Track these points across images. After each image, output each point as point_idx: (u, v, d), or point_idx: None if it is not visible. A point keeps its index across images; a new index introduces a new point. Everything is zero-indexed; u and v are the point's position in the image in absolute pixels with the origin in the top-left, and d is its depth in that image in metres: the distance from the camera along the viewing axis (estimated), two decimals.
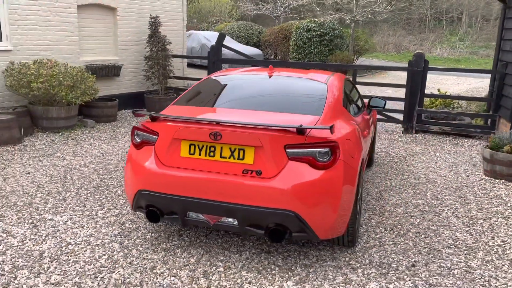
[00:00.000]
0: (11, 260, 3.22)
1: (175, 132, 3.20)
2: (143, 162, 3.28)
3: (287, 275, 3.15)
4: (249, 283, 3.04)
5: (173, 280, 3.03)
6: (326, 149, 3.05)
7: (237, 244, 3.61)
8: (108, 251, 3.40)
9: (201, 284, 2.99)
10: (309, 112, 3.42)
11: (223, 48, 9.45)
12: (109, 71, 8.94)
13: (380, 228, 4.06)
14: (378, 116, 9.13)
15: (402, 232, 4.00)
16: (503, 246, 3.79)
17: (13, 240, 3.52)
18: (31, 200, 4.38)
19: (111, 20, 9.16)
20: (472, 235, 4.00)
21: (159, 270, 3.15)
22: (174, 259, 3.31)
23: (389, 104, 11.67)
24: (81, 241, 3.55)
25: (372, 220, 4.24)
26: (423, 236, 3.93)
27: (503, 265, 3.45)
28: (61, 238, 3.59)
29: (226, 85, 4.10)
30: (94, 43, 8.91)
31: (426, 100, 9.12)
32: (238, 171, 3.06)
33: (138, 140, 3.40)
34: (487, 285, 3.17)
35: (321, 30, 17.78)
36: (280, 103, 3.63)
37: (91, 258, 3.29)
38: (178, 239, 3.65)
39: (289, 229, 3.04)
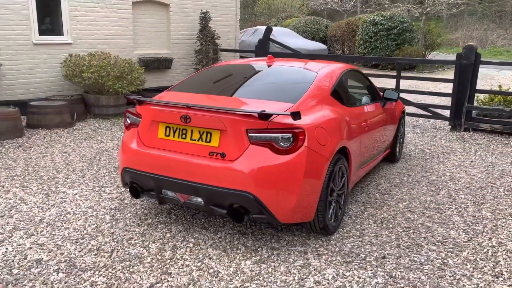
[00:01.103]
0: (14, 222, 3.70)
1: (153, 114, 3.45)
2: (129, 142, 3.59)
3: (249, 255, 3.28)
4: (210, 258, 3.21)
5: (142, 250, 3.29)
6: (288, 135, 3.12)
7: (217, 224, 3.79)
8: (98, 221, 3.76)
9: (165, 256, 3.22)
10: (285, 100, 3.49)
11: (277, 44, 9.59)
12: (160, 64, 9.51)
13: (370, 220, 4.00)
14: (423, 112, 8.74)
15: (391, 226, 3.91)
16: (496, 247, 3.57)
17: (24, 207, 4.02)
18: (56, 175, 4.91)
19: (164, 15, 9.72)
20: (468, 234, 3.80)
21: (134, 241, 3.44)
22: (152, 233, 3.58)
23: (436, 101, 11.09)
24: (80, 211, 3.96)
25: (366, 213, 4.18)
26: (411, 231, 3.82)
27: (484, 266, 3.27)
28: (64, 208, 4.03)
29: (221, 73, 4.28)
30: (147, 38, 9.52)
31: (486, 97, 8.53)
32: (205, 153, 3.24)
33: (128, 122, 3.71)
34: (454, 283, 3.04)
35: (389, 24, 17.19)
36: (261, 91, 3.74)
37: (80, 226, 3.67)
38: (166, 216, 3.92)
39: (249, 210, 3.16)
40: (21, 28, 7.64)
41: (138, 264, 3.10)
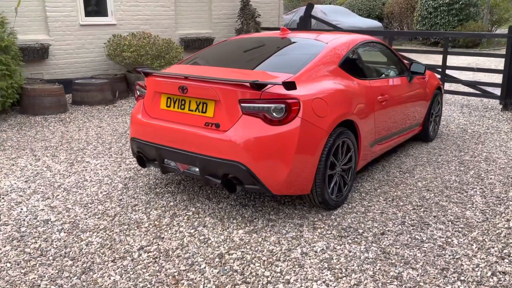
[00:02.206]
0: (35, 187, 3.99)
1: (156, 86, 3.54)
2: (136, 113, 3.72)
3: (243, 225, 3.30)
4: (204, 226, 3.27)
5: (142, 216, 3.43)
6: (281, 106, 3.07)
7: (221, 195, 3.85)
8: (111, 189, 3.96)
9: (162, 222, 3.33)
10: (286, 71, 3.44)
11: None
12: (201, 44, 9.64)
13: (380, 198, 3.87)
14: (471, 90, 8.19)
15: (401, 204, 3.76)
16: None
17: (48, 174, 4.31)
18: (85, 147, 5.21)
19: None
20: (485, 214, 3.56)
21: (138, 208, 3.58)
22: (157, 201, 3.71)
23: (485, 78, 10.30)
24: (96, 179, 4.18)
25: (378, 190, 4.04)
26: (422, 210, 3.64)
27: (492, 247, 3.06)
28: (83, 175, 4.27)
29: (233, 46, 4.27)
30: (189, 17, 9.68)
31: None
32: (201, 124, 3.29)
33: (137, 94, 3.84)
34: (452, 262, 2.88)
35: None
36: (265, 62, 3.70)
37: (93, 192, 3.88)
38: (175, 186, 4.04)
39: (242, 181, 3.17)
40: (69, 9, 8.06)
41: (135, 228, 3.23)
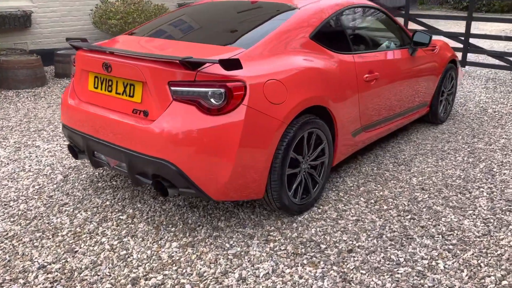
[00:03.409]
0: None
1: (83, 62, 2.92)
2: (65, 95, 3.12)
3: (181, 235, 2.71)
4: (133, 236, 2.70)
5: (65, 220, 2.88)
6: (220, 90, 2.40)
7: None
8: (47, 181, 3.42)
9: (85, 230, 2.78)
10: (239, 44, 2.75)
11: None
12: None
13: (361, 199, 3.19)
14: (498, 63, 7.21)
15: (385, 207, 3.07)
16: None
17: None
18: (44, 127, 4.68)
19: None
20: (487, 226, 2.85)
21: (66, 208, 3.04)
22: (92, 200, 3.15)
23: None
24: (36, 169, 3.65)
25: (361, 188, 3.36)
26: (409, 217, 2.95)
27: (486, 277, 2.37)
28: (24, 163, 3.75)
29: (192, 11, 3.56)
30: None
31: None
32: (129, 111, 2.67)
33: (73, 71, 3.23)
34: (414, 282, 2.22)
35: None
36: (218, 33, 3.01)
37: (24, 186, 3.35)
38: (121, 180, 3.47)
39: (173, 183, 2.56)
40: None
41: (50, 237, 2.69)
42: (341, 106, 3.09)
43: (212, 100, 2.42)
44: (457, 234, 2.76)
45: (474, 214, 2.99)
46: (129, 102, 2.66)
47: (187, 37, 3.02)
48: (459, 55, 8.80)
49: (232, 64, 2.35)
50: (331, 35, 3.20)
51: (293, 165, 2.83)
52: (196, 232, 2.74)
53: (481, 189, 3.35)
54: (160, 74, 2.48)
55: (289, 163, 2.77)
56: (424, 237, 2.72)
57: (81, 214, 2.94)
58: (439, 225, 2.86)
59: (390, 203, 3.13)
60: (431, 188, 3.36)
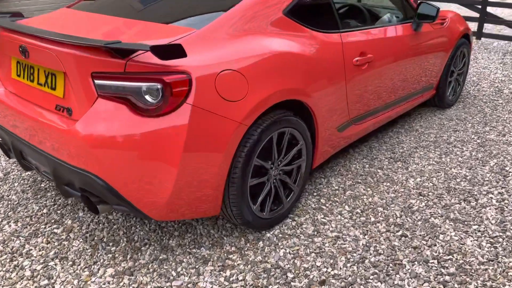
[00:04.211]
0: None
1: (3, 43, 2.39)
2: None
3: (121, 258, 2.25)
4: (62, 258, 2.25)
5: None
6: (156, 85, 1.87)
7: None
8: None
9: (7, 249, 2.32)
10: (190, 23, 2.19)
11: None
12: None
13: (345, 208, 2.69)
14: None
15: (372, 220, 2.57)
16: None
17: None
18: None
19: None
20: (495, 247, 2.34)
21: None
22: (28, 205, 2.70)
23: None
24: None
25: (347, 193, 2.85)
26: (399, 233, 2.45)
27: None
28: None
29: None
30: None
31: None
32: (52, 106, 2.16)
33: None
34: None
35: None
36: (173, 9, 2.43)
37: None
38: None
39: (104, 199, 2.07)
40: None
41: None
42: (323, 98, 2.54)
43: (147, 97, 1.89)
44: (456, 259, 2.25)
45: (479, 231, 2.47)
46: (52, 95, 2.14)
47: (135, 13, 2.45)
48: (474, 25, 8.02)
49: (172, 51, 1.81)
50: (312, 9, 2.61)
51: (260, 173, 2.32)
52: (139, 254, 2.27)
53: (490, 195, 2.82)
54: (82, 63, 1.95)
55: (254, 171, 2.26)
56: (416, 262, 2.22)
57: (9, 227, 2.49)
58: (435, 245, 2.35)
59: (379, 214, 2.62)
60: (430, 194, 2.84)
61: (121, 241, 2.37)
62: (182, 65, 1.91)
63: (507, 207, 2.69)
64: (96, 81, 1.93)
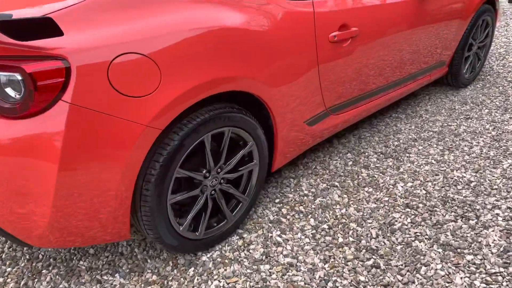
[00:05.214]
0: None
1: None
2: None
3: (10, 286, 1.81)
4: None
5: None
6: (15, 75, 1.36)
7: None
8: None
9: None
10: None
11: None
12: None
13: (309, 223, 2.18)
14: None
15: (340, 240, 2.05)
16: None
17: None
18: None
19: None
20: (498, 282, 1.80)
21: None
22: None
23: None
24: None
25: (317, 201, 2.33)
26: (369, 263, 1.93)
27: None
28: None
29: None
30: None
31: None
32: None
33: None
34: None
35: None
36: None
37: None
38: None
39: None
40: None
41: None
42: (282, 87, 1.97)
43: (9, 91, 1.38)
44: None
45: (474, 263, 1.92)
46: None
47: None
48: None
49: (38, 27, 1.28)
50: None
51: (191, 185, 1.82)
52: (35, 280, 1.83)
53: (496, 211, 2.24)
54: None
55: (181, 184, 1.76)
56: None
57: None
58: (413, 282, 1.83)
59: (351, 232, 2.10)
60: (420, 205, 2.28)
61: (22, 259, 1.93)
62: (55, 48, 1.37)
63: None
64: None
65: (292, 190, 2.42)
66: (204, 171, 1.83)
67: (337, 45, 2.21)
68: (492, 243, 2.03)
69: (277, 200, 2.34)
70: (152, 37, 1.52)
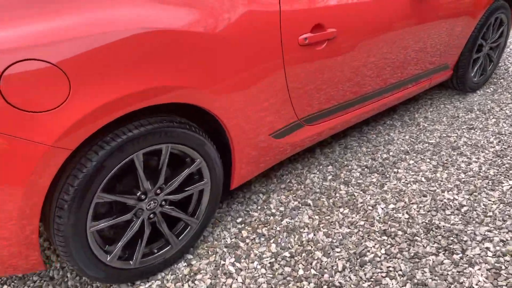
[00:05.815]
0: None
1: None
2: None
3: None
4: None
5: None
6: None
7: None
8: None
9: None
10: None
11: None
12: None
13: (268, 251, 1.94)
14: None
15: (299, 274, 1.80)
16: None
17: None
18: None
19: None
20: None
21: None
22: None
23: None
24: None
25: (284, 222, 2.08)
26: None
27: None
28: None
29: None
30: None
31: None
32: None
33: None
34: None
35: None
36: None
37: None
38: None
39: None
40: None
41: None
42: (238, 97, 1.72)
43: None
44: None
45: None
46: None
47: None
48: None
49: None
50: None
51: (122, 209, 1.59)
52: None
53: (487, 244, 1.94)
54: None
55: (113, 207, 1.54)
56: None
57: None
58: None
59: (314, 264, 1.84)
60: (399, 233, 2.00)
61: None
62: None
63: (505, 267, 1.82)
64: None
65: (259, 208, 2.18)
66: (139, 193, 1.60)
67: (309, 49, 1.93)
68: (476, 285, 1.74)
69: (239, 220, 2.10)
70: (58, 41, 1.27)
